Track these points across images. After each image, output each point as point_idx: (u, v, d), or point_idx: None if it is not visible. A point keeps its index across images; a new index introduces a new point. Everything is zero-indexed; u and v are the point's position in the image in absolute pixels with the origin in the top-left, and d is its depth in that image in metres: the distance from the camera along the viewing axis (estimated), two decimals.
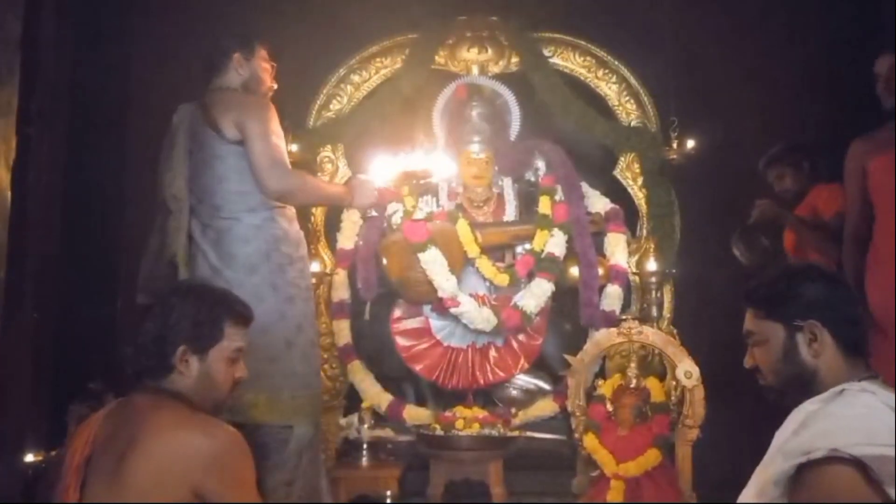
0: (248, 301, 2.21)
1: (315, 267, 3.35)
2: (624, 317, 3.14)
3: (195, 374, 1.69)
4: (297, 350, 2.43)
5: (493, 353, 3.48)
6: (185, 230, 2.48)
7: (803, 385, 1.52)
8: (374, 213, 3.30)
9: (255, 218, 2.46)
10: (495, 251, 3.54)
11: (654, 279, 3.41)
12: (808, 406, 1.46)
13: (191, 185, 2.52)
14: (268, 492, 2.36)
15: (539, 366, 3.55)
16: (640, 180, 3.60)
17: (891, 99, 2.73)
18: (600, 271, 3.47)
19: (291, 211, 2.59)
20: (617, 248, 3.52)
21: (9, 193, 2.62)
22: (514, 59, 3.72)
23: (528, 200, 3.64)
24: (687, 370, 2.93)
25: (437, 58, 3.72)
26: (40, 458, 2.81)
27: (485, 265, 3.44)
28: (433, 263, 3.32)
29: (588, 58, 3.70)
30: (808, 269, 1.60)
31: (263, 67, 2.66)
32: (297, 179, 2.56)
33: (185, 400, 1.67)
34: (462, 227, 3.42)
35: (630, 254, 3.54)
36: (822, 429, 1.37)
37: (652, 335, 3.03)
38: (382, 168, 2.73)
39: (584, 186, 3.59)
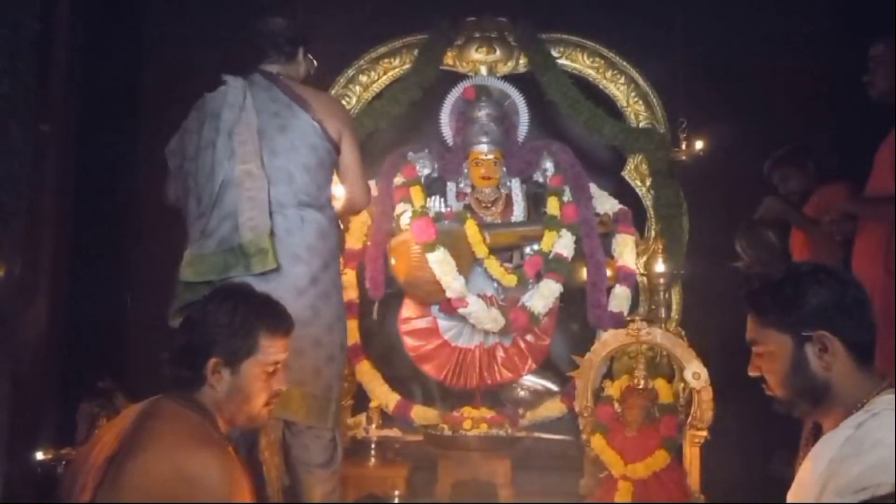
0: (288, 292, 2.17)
1: None
2: (632, 318, 3.14)
3: (226, 388, 1.62)
4: (323, 350, 2.35)
5: (500, 353, 3.49)
6: (268, 211, 2.29)
7: (815, 399, 1.45)
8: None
9: (305, 211, 2.36)
10: (503, 252, 3.55)
11: (662, 280, 3.41)
12: (843, 432, 1.39)
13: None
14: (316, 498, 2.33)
15: (547, 366, 3.56)
16: (648, 181, 3.61)
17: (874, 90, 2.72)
18: (608, 272, 3.48)
19: (334, 211, 2.52)
20: (625, 249, 3.52)
21: (24, 190, 2.64)
22: (523, 60, 3.73)
23: (536, 201, 3.64)
24: (695, 371, 2.91)
25: (445, 58, 3.73)
26: (50, 455, 2.83)
27: (493, 266, 3.45)
28: (441, 264, 3.33)
29: (596, 59, 3.71)
30: (815, 271, 1.48)
31: (309, 70, 2.68)
32: (370, 195, 2.76)
33: (210, 415, 1.61)
34: (470, 228, 3.43)
35: (638, 255, 3.55)
36: (877, 461, 1.31)
37: (660, 336, 3.02)
38: None
39: (593, 187, 3.60)
